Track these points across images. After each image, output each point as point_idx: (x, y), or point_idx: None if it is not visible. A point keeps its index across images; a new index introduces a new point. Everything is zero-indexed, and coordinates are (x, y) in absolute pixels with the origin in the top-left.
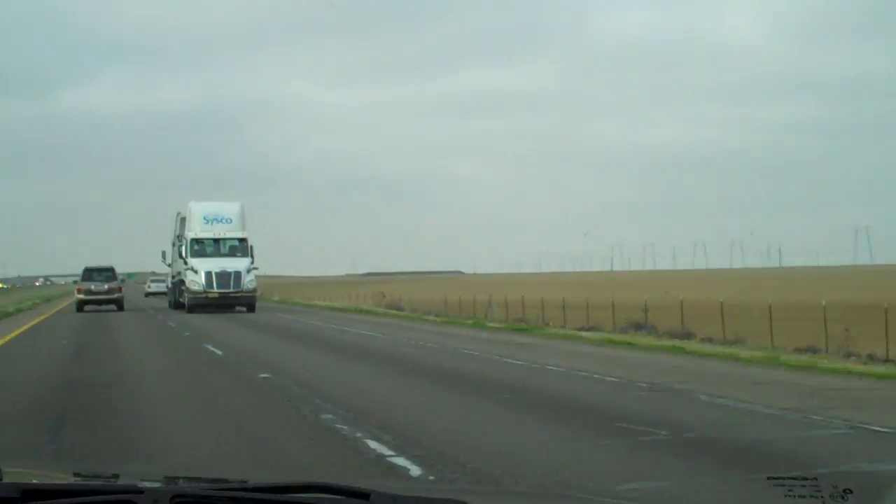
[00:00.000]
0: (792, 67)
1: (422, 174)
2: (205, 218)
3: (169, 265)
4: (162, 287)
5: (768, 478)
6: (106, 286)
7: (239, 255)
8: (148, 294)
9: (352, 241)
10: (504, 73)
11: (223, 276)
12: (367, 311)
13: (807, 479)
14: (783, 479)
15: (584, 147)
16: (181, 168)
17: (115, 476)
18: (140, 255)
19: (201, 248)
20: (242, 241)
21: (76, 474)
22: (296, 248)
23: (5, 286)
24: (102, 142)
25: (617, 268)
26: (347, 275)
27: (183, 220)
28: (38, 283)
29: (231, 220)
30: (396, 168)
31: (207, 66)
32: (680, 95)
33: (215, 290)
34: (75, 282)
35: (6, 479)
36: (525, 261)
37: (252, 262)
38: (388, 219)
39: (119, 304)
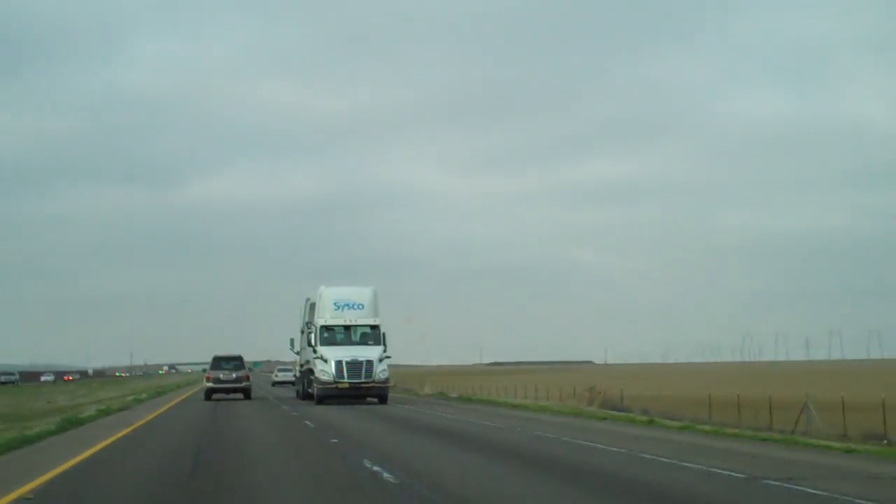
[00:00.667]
0: None
1: (546, 263)
2: (335, 304)
3: (297, 353)
4: (289, 376)
5: None
6: (234, 375)
7: (371, 343)
8: (275, 383)
9: (476, 330)
10: (629, 161)
11: (354, 366)
12: (578, 413)
13: None
14: None
15: (710, 235)
16: (309, 257)
17: None
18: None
19: (331, 335)
20: (374, 328)
21: None
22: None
23: (124, 374)
24: (231, 231)
25: (747, 358)
26: (474, 364)
27: (312, 306)
28: (161, 371)
29: (363, 307)
30: (520, 256)
31: (336, 154)
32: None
33: (346, 380)
34: (204, 370)
35: None
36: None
37: (384, 351)
38: (512, 307)
39: (246, 393)
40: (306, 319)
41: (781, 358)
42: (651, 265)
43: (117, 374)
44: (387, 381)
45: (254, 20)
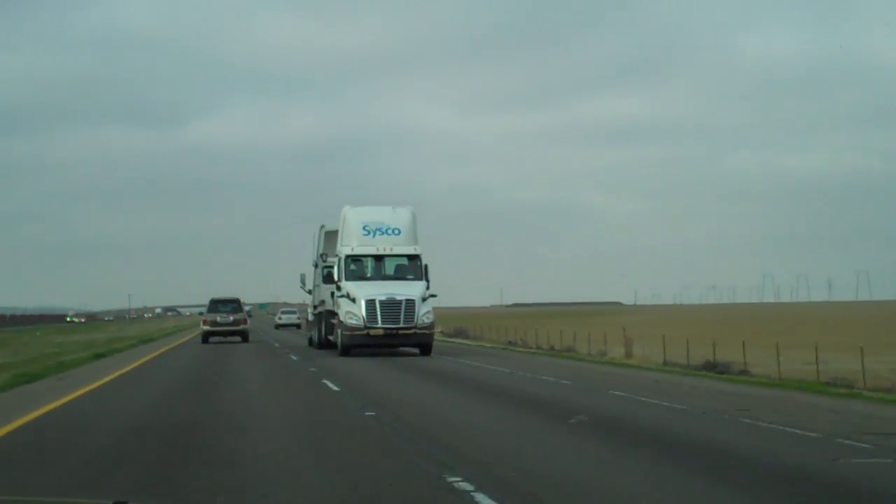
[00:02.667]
0: None
1: (559, 204)
2: (365, 228)
3: (309, 292)
4: (293, 318)
5: None
6: (231, 318)
7: (410, 277)
8: (278, 326)
9: (493, 271)
10: (642, 100)
11: (391, 307)
12: (625, 365)
13: None
14: None
15: (726, 176)
16: (314, 199)
17: None
18: (272, 285)
19: (359, 268)
20: (414, 259)
21: None
22: (439, 279)
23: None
24: (233, 172)
25: (767, 299)
26: (493, 306)
27: (328, 234)
28: (147, 316)
29: (399, 232)
30: (534, 198)
31: (343, 93)
32: (824, 121)
33: (379, 325)
34: (200, 313)
35: None
36: (674, 292)
37: (428, 288)
38: (527, 249)
39: (244, 336)
40: (320, 251)
41: (803, 299)
42: (665, 206)
43: (68, 318)
44: (432, 326)
45: None
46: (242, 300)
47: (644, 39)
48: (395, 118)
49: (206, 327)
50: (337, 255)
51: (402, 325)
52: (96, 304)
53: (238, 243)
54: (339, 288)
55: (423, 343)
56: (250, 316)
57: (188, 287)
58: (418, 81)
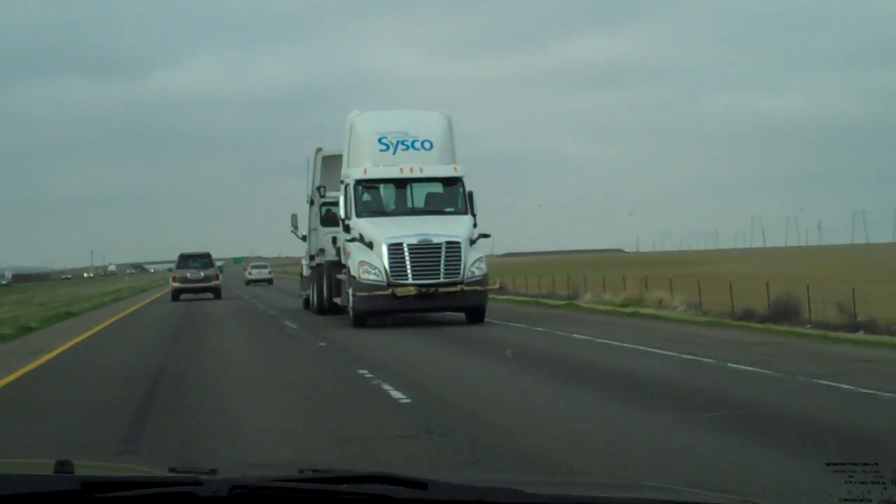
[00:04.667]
0: None
1: (539, 152)
2: (382, 141)
3: (304, 238)
4: (265, 273)
5: (827, 463)
6: (202, 273)
7: (449, 210)
8: (249, 282)
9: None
10: (616, 42)
11: (426, 254)
12: (686, 321)
13: (867, 464)
14: (843, 464)
15: (707, 119)
16: (285, 150)
17: (179, 468)
18: (245, 239)
19: (376, 198)
20: (454, 183)
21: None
22: None
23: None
24: (202, 124)
25: (756, 244)
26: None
27: (327, 161)
28: (110, 269)
29: (431, 145)
30: (511, 147)
31: (313, 39)
32: (801, 62)
33: (409, 280)
34: (170, 269)
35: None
36: (666, 238)
37: (475, 226)
38: (510, 199)
39: (216, 293)
40: (317, 183)
41: (793, 243)
42: (642, 152)
43: None
44: (485, 280)
45: None
46: (215, 256)
47: None
48: (366, 65)
49: (176, 284)
50: (343, 182)
51: (442, 279)
52: (59, 262)
53: (209, 197)
54: (347, 229)
55: (473, 305)
56: (222, 271)
57: (158, 243)
58: (388, 25)
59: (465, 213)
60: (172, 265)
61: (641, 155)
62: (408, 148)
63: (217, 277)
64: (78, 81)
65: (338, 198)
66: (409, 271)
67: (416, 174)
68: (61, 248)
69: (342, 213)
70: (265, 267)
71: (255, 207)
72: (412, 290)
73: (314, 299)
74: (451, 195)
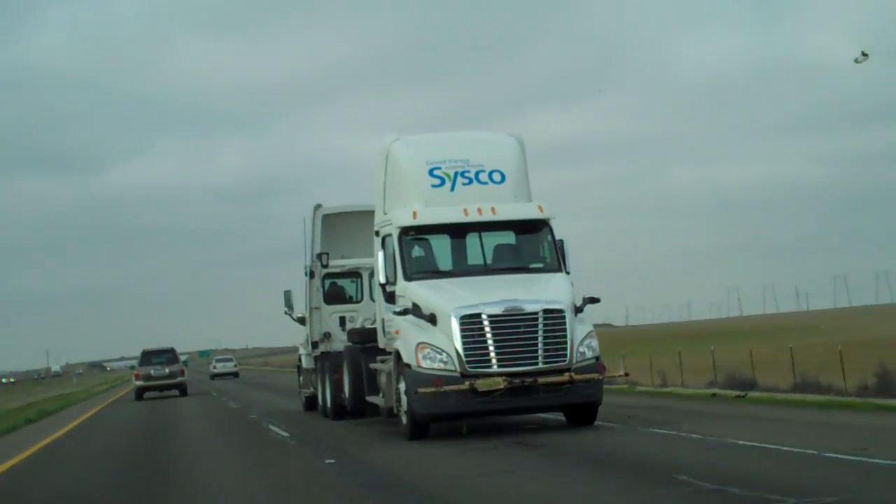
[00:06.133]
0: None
1: None
2: (435, 172)
3: (299, 319)
4: (230, 366)
5: None
6: (167, 370)
7: (537, 266)
8: (214, 376)
9: None
10: (572, 118)
11: (517, 328)
12: None
13: None
14: None
15: (664, 192)
16: (246, 240)
17: None
18: (210, 331)
19: (429, 252)
20: (538, 228)
21: None
22: None
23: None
24: (159, 218)
25: (732, 313)
26: None
27: (328, 220)
28: (55, 370)
29: (503, 178)
30: None
31: (270, 126)
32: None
33: (494, 367)
34: (131, 367)
35: None
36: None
37: (571, 283)
38: None
39: (182, 390)
40: (317, 249)
41: (771, 311)
42: (611, 227)
43: None
44: (601, 365)
45: None
46: (180, 350)
47: (576, 54)
48: (326, 150)
49: (140, 382)
50: (379, 234)
51: (541, 364)
52: (11, 364)
53: (170, 290)
54: (391, 298)
55: (585, 401)
56: (186, 366)
57: (119, 340)
58: (346, 109)
59: (558, 269)
60: (135, 362)
61: (610, 229)
62: (471, 182)
63: (182, 374)
64: (29, 179)
65: (344, 267)
66: (492, 355)
67: (487, 217)
68: (15, 348)
69: (381, 277)
70: (230, 360)
71: (218, 299)
72: (500, 383)
73: (325, 398)
74: (535, 245)
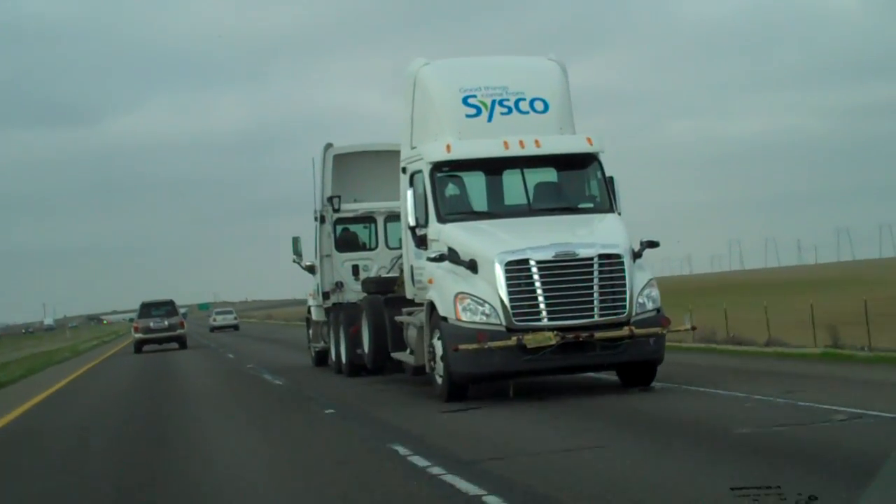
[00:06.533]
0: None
1: None
2: (469, 100)
3: (308, 268)
4: (230, 319)
5: (731, 488)
6: (166, 322)
7: (587, 206)
8: (213, 329)
9: None
10: (574, 69)
11: (569, 275)
12: None
13: (770, 487)
14: (747, 488)
15: (663, 145)
16: (246, 193)
17: None
18: (210, 284)
19: (464, 191)
20: (588, 163)
21: None
22: None
23: None
24: (157, 170)
25: (734, 267)
26: None
27: (339, 160)
28: (47, 323)
29: (546, 106)
30: None
31: (267, 79)
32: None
33: (544, 320)
34: (131, 319)
35: None
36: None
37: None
38: None
39: (182, 342)
40: (328, 192)
41: (773, 265)
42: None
43: None
44: (663, 317)
45: None
46: (179, 303)
47: (577, 7)
48: (324, 104)
49: (139, 335)
50: (406, 170)
51: (597, 317)
52: (9, 317)
53: (169, 243)
54: (422, 242)
55: (645, 359)
56: (185, 318)
57: (117, 293)
58: (345, 62)
59: (610, 209)
60: (133, 315)
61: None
62: (510, 111)
63: (182, 326)
64: (24, 131)
65: (357, 212)
66: (542, 306)
67: (531, 150)
68: (12, 303)
69: (410, 219)
70: (230, 312)
71: (217, 252)
72: (551, 338)
73: (339, 353)
74: (583, 182)
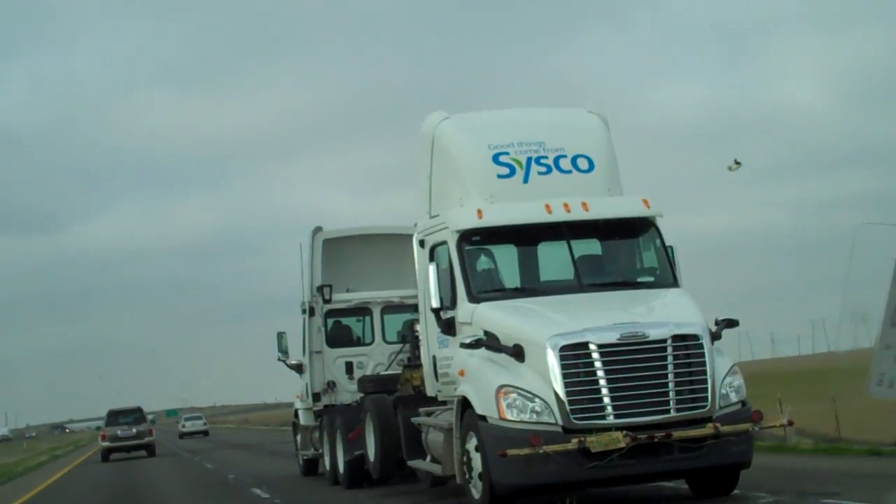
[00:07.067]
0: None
1: None
2: (500, 158)
3: (295, 367)
4: (199, 424)
5: None
6: (134, 430)
7: (645, 280)
8: (183, 435)
9: None
10: None
11: (638, 360)
12: None
13: None
14: None
15: None
16: (211, 298)
17: None
18: (177, 390)
19: (496, 264)
20: (644, 230)
21: None
22: None
23: None
24: (119, 277)
25: None
26: None
27: (329, 246)
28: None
29: (591, 165)
30: None
31: (232, 181)
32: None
33: (610, 417)
34: (97, 427)
35: None
36: None
37: (694, 302)
38: None
39: (150, 450)
40: (318, 281)
41: (746, 358)
42: None
43: None
44: (748, 412)
45: (129, 30)
46: (146, 410)
47: (549, 98)
48: (290, 205)
49: (106, 443)
50: (424, 242)
51: (673, 412)
52: None
53: (135, 349)
54: (448, 327)
55: (731, 462)
56: (153, 424)
57: (83, 401)
58: (308, 162)
59: (673, 282)
60: (97, 423)
61: None
62: (549, 170)
63: (150, 433)
64: None
65: (350, 303)
66: (606, 400)
67: (578, 214)
68: None
69: (433, 301)
70: (199, 418)
71: (183, 357)
72: (620, 440)
73: (335, 461)
74: (639, 252)
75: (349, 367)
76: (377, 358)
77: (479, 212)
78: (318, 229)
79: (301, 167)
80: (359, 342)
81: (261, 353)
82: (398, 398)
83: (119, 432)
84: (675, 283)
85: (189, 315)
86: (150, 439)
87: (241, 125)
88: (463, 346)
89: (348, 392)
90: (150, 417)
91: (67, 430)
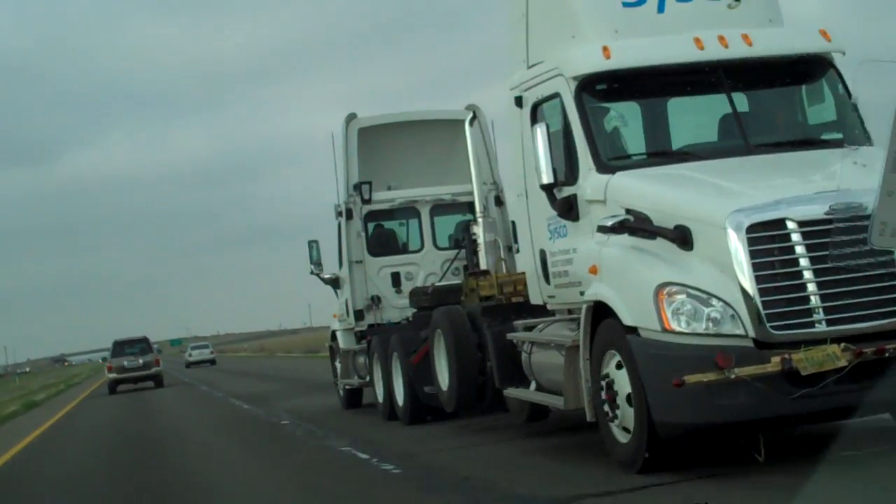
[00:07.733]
0: None
1: None
2: None
3: (330, 281)
4: (206, 353)
5: None
6: (141, 360)
7: (831, 136)
8: (189, 364)
9: None
10: None
11: (853, 242)
12: None
13: None
14: None
15: None
16: (210, 224)
17: None
18: (181, 319)
19: (628, 121)
20: (821, 70)
21: None
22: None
23: None
24: (118, 206)
25: None
26: None
27: (365, 134)
28: None
29: None
30: None
31: (228, 106)
32: None
33: (822, 323)
34: (104, 359)
35: None
36: None
37: None
38: None
39: (158, 381)
40: (354, 179)
41: None
42: None
43: None
44: None
45: None
46: (150, 338)
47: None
48: (286, 129)
49: (113, 375)
50: (532, 92)
51: None
52: None
53: (136, 279)
54: (568, 208)
55: None
56: (160, 353)
57: (85, 332)
58: (307, 86)
59: (865, 139)
60: (98, 355)
61: None
62: None
63: (158, 363)
64: None
65: (393, 202)
66: (815, 300)
67: (739, 51)
68: None
69: (544, 175)
70: (206, 347)
71: (185, 285)
72: (838, 355)
73: (392, 391)
74: (818, 100)
75: (396, 279)
76: (428, 267)
77: (606, 49)
78: (352, 116)
79: (302, 89)
80: (405, 249)
81: (263, 280)
82: (484, 308)
83: (126, 363)
84: (867, 139)
85: (189, 243)
86: (158, 370)
87: (238, 47)
88: (602, 229)
89: (396, 308)
90: (155, 346)
91: (67, 363)
